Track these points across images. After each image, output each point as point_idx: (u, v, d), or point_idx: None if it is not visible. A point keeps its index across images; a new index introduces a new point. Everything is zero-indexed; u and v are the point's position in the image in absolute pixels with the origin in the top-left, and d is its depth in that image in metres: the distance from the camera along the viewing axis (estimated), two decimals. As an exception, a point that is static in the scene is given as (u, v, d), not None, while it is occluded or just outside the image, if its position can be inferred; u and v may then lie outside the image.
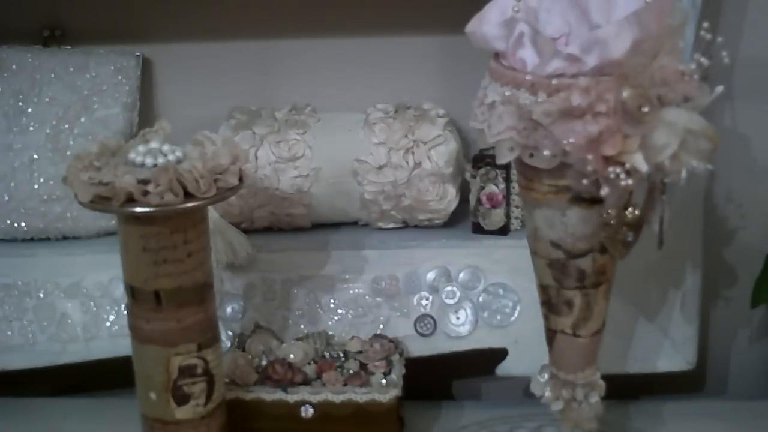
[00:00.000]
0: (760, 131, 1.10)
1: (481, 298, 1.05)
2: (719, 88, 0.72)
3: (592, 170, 0.70)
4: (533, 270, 0.84)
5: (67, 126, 1.09)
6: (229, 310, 1.06)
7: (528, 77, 0.73)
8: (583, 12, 0.74)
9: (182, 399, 0.85)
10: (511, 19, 0.74)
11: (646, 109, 0.69)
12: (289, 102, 1.12)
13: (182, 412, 0.86)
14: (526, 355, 1.02)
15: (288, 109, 1.10)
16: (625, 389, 0.97)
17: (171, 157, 0.82)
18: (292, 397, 0.95)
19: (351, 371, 0.97)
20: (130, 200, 0.79)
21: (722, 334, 1.19)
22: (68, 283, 1.06)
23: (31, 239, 1.09)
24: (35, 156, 1.08)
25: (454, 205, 1.07)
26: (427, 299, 1.05)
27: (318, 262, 1.06)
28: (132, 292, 0.84)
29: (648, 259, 0.89)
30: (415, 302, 1.05)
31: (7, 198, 1.08)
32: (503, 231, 1.06)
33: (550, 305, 0.84)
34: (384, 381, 0.96)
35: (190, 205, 0.80)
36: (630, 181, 0.70)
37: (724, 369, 1.21)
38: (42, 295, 1.06)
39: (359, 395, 0.94)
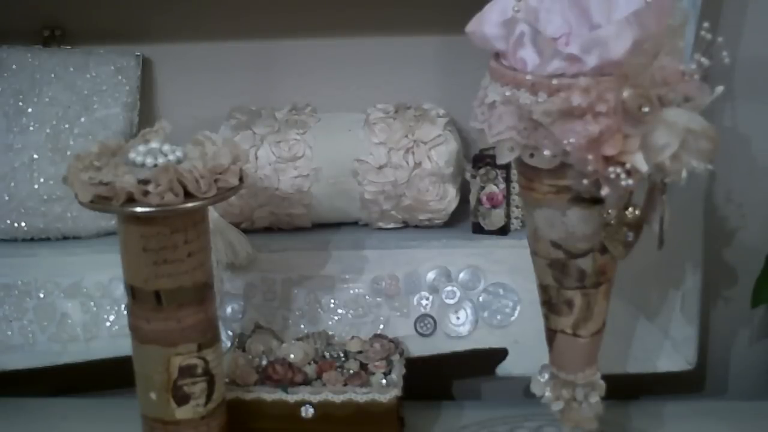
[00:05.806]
0: (760, 131, 1.10)
1: (481, 298, 1.05)
2: (719, 88, 0.72)
3: (593, 170, 0.70)
4: (533, 270, 0.84)
5: (67, 126, 1.09)
6: (229, 310, 1.06)
7: (528, 77, 0.73)
8: (584, 12, 0.74)
9: (182, 399, 0.85)
10: (511, 19, 0.74)
11: (646, 109, 0.69)
12: (289, 102, 1.12)
13: (182, 412, 0.86)
14: (526, 355, 1.01)
15: (288, 109, 1.10)
16: (625, 389, 0.97)
17: (171, 157, 0.82)
18: (292, 397, 0.95)
19: (351, 371, 0.97)
20: (131, 200, 0.79)
21: (722, 334, 1.19)
22: (68, 283, 1.06)
23: (31, 239, 1.09)
24: (35, 156, 1.08)
25: (454, 205, 1.07)
26: (427, 299, 1.05)
27: (318, 262, 1.05)
28: (132, 292, 0.84)
29: (648, 259, 0.89)
30: (415, 302, 1.05)
31: (7, 198, 1.08)
32: (503, 231, 1.06)
33: (550, 305, 0.84)
34: (384, 381, 0.96)
35: (190, 205, 0.80)
36: (630, 181, 0.70)
37: (724, 369, 1.21)
38: (42, 295, 1.06)
39: (359, 395, 0.94)
